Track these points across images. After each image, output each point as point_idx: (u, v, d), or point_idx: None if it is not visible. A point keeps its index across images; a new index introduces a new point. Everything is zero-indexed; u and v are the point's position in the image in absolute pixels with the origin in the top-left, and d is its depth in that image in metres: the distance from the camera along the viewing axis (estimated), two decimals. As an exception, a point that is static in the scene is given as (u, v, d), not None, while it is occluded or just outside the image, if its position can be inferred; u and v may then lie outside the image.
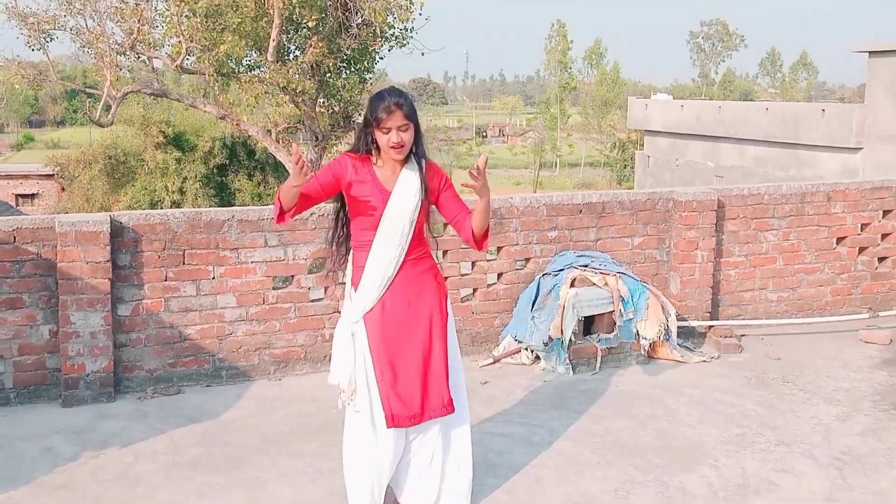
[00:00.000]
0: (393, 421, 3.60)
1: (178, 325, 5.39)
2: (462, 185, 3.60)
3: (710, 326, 6.46)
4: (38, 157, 47.24)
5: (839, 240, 6.98)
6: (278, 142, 19.55)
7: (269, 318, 5.58)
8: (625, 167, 54.61)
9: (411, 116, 3.57)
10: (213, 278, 5.43)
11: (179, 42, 17.09)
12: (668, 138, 26.49)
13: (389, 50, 18.40)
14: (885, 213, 7.07)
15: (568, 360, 5.71)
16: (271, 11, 16.25)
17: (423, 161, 3.70)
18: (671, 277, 6.48)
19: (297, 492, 4.06)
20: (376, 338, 3.63)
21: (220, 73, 17.69)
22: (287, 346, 5.63)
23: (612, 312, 5.80)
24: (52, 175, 36.38)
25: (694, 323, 6.42)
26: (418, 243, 3.74)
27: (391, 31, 17.78)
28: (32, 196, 39.46)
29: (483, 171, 3.51)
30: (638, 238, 6.39)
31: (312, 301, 5.68)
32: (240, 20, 16.35)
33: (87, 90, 20.16)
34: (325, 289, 5.70)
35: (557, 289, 5.78)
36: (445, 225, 5.91)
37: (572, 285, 5.79)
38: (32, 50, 18.16)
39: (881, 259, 7.15)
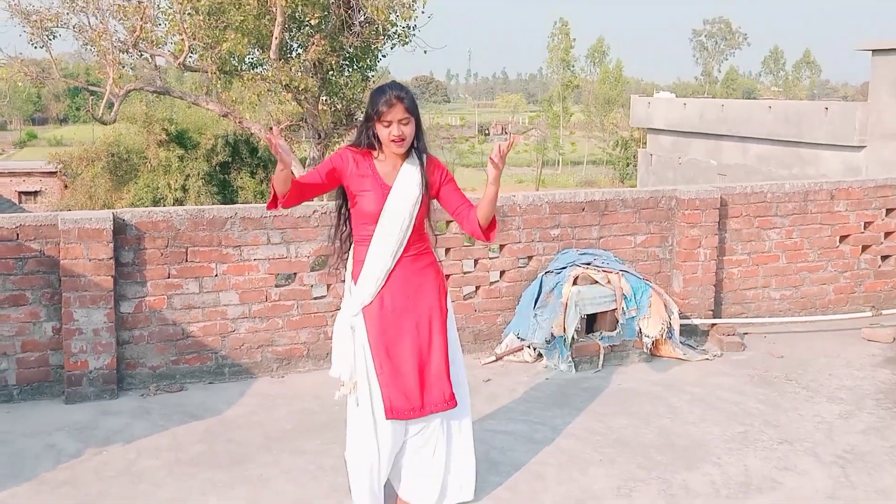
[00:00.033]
0: (392, 413, 3.62)
1: (181, 322, 5.39)
2: (489, 158, 3.57)
3: (713, 324, 6.46)
4: (41, 154, 47.28)
5: (842, 238, 6.97)
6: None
7: (271, 316, 5.58)
8: (627, 165, 54.56)
9: (412, 110, 3.58)
10: (216, 276, 5.43)
11: (182, 40, 17.12)
12: (670, 136, 26.47)
13: (392, 48, 18.42)
14: (889, 211, 7.06)
15: (570, 358, 5.71)
16: (274, 9, 16.26)
17: (424, 156, 3.71)
18: (674, 275, 6.47)
19: (299, 489, 4.07)
20: (375, 331, 3.65)
21: (223, 70, 17.71)
22: (290, 343, 5.63)
23: (614, 310, 5.80)
24: (54, 172, 36.42)
25: (697, 321, 6.41)
26: (419, 238, 3.74)
27: (394, 29, 17.79)
28: (35, 193, 39.50)
29: (504, 157, 3.51)
30: (641, 236, 6.38)
31: (315, 298, 5.68)
32: (242, 18, 16.37)
33: (90, 88, 20.18)
34: (328, 286, 5.70)
35: (560, 287, 5.78)
36: (448, 223, 5.91)
37: (575, 283, 5.79)
38: (35, 47, 18.20)
39: (884, 257, 7.15)
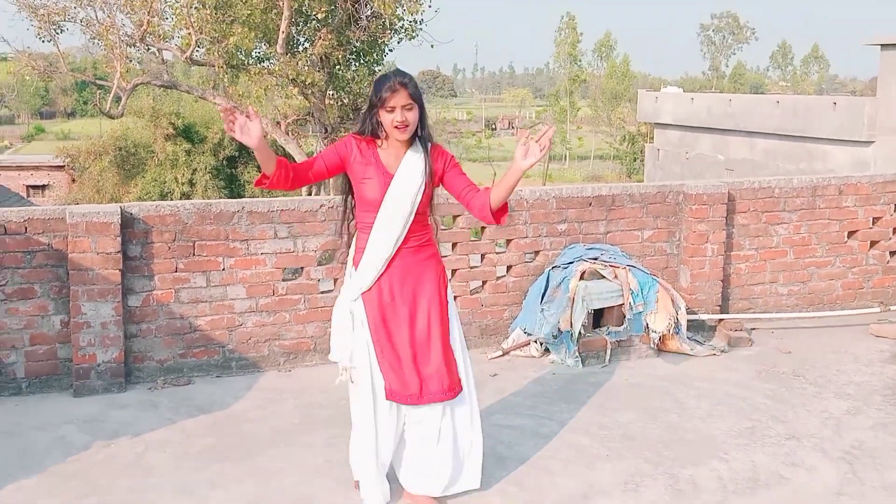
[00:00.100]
0: (391, 395, 3.68)
1: (189, 315, 5.40)
2: (528, 138, 3.52)
3: (720, 320, 6.45)
4: (49, 148, 47.40)
5: (850, 233, 6.95)
6: (288, 134, 19.58)
7: (278, 310, 5.59)
8: (634, 160, 54.41)
9: (416, 96, 3.58)
10: (223, 269, 5.44)
11: (189, 34, 17.14)
12: (678, 131, 26.40)
13: (399, 42, 18.42)
14: (897, 206, 7.03)
15: (577, 353, 5.71)
16: (281, 3, 16.27)
17: (429, 144, 3.72)
18: (681, 270, 6.46)
19: (306, 482, 4.08)
20: (374, 318, 3.69)
21: (230, 64, 17.73)
22: (297, 337, 5.64)
23: (621, 305, 5.79)
24: (62, 166, 36.49)
25: (704, 316, 6.40)
26: (421, 228, 3.76)
27: (400, 23, 17.79)
28: (43, 187, 39.59)
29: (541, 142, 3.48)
30: (648, 231, 6.37)
31: (322, 293, 5.69)
32: (249, 12, 16.38)
33: (98, 82, 20.24)
34: (335, 280, 5.70)
35: (567, 281, 5.78)
36: (455, 217, 5.91)
37: (582, 278, 5.78)
38: (43, 41, 18.24)
39: (892, 253, 7.12)
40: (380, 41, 17.95)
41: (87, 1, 17.78)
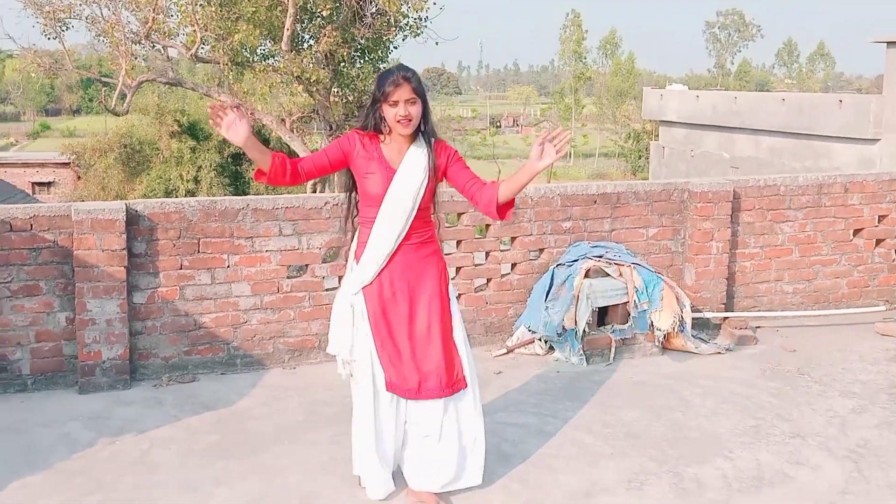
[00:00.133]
0: (390, 387, 3.71)
1: (193, 313, 5.41)
2: (545, 138, 3.52)
3: (725, 318, 6.44)
4: (54, 145, 47.52)
5: (856, 231, 6.93)
6: (293, 131, 19.58)
7: (283, 307, 5.59)
8: (639, 158, 54.33)
9: (419, 91, 3.60)
10: (228, 267, 5.45)
11: (194, 31, 17.15)
12: (683, 129, 26.35)
13: (403, 39, 18.42)
14: (903, 204, 7.02)
15: (582, 351, 5.71)
16: (286, 0, 16.26)
17: (432, 139, 3.72)
18: (686, 268, 6.45)
19: (311, 480, 4.08)
20: (374, 312, 3.72)
21: (235, 62, 17.74)
22: (301, 334, 5.65)
23: (626, 303, 5.79)
24: (67, 163, 36.57)
25: (709, 314, 6.39)
26: (423, 224, 3.77)
27: (405, 21, 17.78)
28: (48, 184, 39.68)
29: (556, 142, 3.49)
30: (653, 229, 6.36)
31: (327, 290, 5.69)
32: (254, 9, 16.39)
33: (103, 79, 20.26)
34: (339, 278, 5.70)
35: (571, 279, 5.77)
36: (460, 215, 5.91)
37: (586, 276, 5.78)
38: (48, 39, 18.27)
39: (898, 251, 7.10)
40: (384, 38, 17.95)
41: (93, -2, 17.81)
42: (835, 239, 6.86)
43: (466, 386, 3.78)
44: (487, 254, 6.04)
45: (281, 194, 6.04)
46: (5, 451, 4.32)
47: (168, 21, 18.09)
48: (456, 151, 3.80)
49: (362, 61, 18.43)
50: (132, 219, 5.20)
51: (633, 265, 5.86)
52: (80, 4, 17.93)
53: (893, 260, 7.08)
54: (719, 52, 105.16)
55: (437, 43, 18.53)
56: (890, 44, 17.31)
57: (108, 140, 29.83)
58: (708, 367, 5.70)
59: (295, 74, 16.82)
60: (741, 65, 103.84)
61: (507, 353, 5.88)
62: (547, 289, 5.89)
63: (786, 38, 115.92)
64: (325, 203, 5.61)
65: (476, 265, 6.01)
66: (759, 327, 6.50)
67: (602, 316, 5.87)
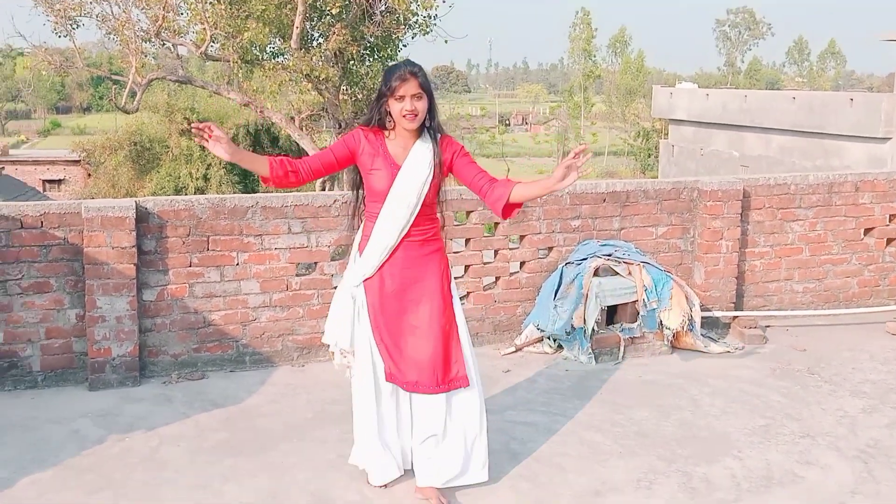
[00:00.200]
0: (390, 377, 3.76)
1: (203, 310, 5.42)
2: (575, 151, 3.53)
3: (735, 317, 6.42)
4: (65, 143, 47.71)
5: (867, 231, 6.90)
6: (302, 129, 19.61)
7: (292, 305, 5.60)
8: (649, 156, 54.24)
9: (425, 86, 3.62)
10: (237, 264, 5.46)
11: (204, 29, 17.17)
12: (692, 127, 26.27)
13: (413, 37, 18.39)
14: (915, 203, 6.98)
15: (590, 350, 5.70)
16: (295, -1, 16.27)
17: (438, 135, 3.73)
18: (695, 267, 6.43)
19: (319, 477, 4.09)
20: (375, 306, 3.77)
21: (244, 60, 17.76)
22: (310, 332, 5.65)
23: (635, 302, 5.78)
24: (78, 161, 36.75)
25: (718, 313, 6.37)
26: (427, 220, 3.79)
27: (414, 19, 17.75)
28: (59, 182, 39.87)
29: (578, 159, 3.51)
30: (662, 227, 6.34)
31: (336, 288, 5.68)
32: (264, 7, 16.40)
33: (113, 77, 20.30)
34: (349, 276, 5.70)
35: (580, 278, 5.76)
36: (469, 213, 5.90)
37: (595, 274, 5.77)
38: (59, 37, 18.32)
39: (909, 250, 7.06)
40: (394, 36, 17.93)
41: (103, -4, 17.85)
42: (845, 238, 6.83)
43: (468, 384, 3.79)
44: (496, 252, 6.03)
45: (290, 192, 6.05)
46: (15, 448, 4.34)
47: (178, 19, 18.11)
48: (462, 147, 3.82)
49: (371, 59, 18.43)
50: (142, 216, 5.22)
51: (642, 264, 5.84)
52: (91, 2, 17.98)
53: (904, 259, 7.04)
54: (729, 50, 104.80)
55: (446, 41, 18.49)
56: (901, 42, 17.22)
57: (118, 138, 29.93)
58: (717, 367, 5.68)
59: (304, 72, 16.83)
60: (751, 63, 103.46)
61: (516, 351, 5.88)
62: (556, 287, 5.88)
63: (796, 36, 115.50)
64: (334, 201, 5.61)
65: (485, 263, 6.01)
66: (768, 326, 6.48)
67: (611, 314, 5.86)
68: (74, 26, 18.16)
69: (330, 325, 3.92)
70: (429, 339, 3.73)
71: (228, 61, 17.96)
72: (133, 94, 18.71)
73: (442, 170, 3.73)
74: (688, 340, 5.90)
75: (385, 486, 3.93)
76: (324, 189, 18.42)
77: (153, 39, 18.15)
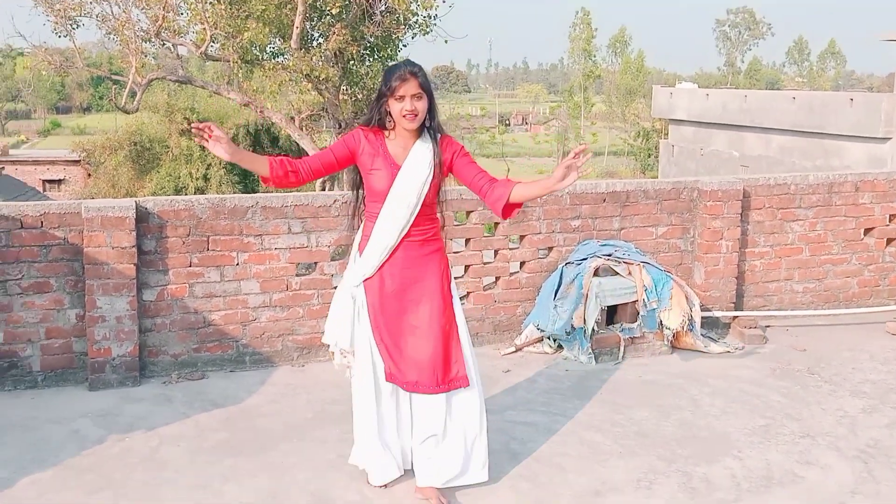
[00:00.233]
0: (390, 377, 3.77)
1: (203, 310, 5.42)
2: (575, 151, 3.54)
3: (735, 317, 6.42)
4: (65, 143, 47.72)
5: (867, 231, 6.90)
6: (302, 129, 19.61)
7: (292, 305, 5.60)
8: (649, 156, 54.25)
9: (425, 86, 3.63)
10: (237, 264, 5.46)
11: (204, 29, 17.17)
12: (692, 127, 26.27)
13: (413, 37, 18.39)
14: (915, 203, 6.97)
15: (590, 350, 5.70)
16: (295, -2, 16.27)
17: (438, 135, 3.74)
18: (695, 267, 6.43)
19: (319, 477, 4.09)
20: (375, 306, 3.77)
21: (244, 60, 17.76)
22: (310, 332, 5.65)
23: (635, 302, 5.78)
24: (78, 161, 36.74)
25: (718, 313, 6.37)
26: (427, 221, 3.79)
27: (414, 19, 17.75)
28: (59, 182, 39.87)
29: (578, 160, 3.51)
30: (662, 227, 6.34)
31: (336, 288, 5.68)
32: (264, 7, 16.40)
33: (113, 77, 20.30)
34: (349, 276, 5.70)
35: (580, 278, 5.76)
36: (469, 213, 5.90)
37: (595, 274, 5.77)
38: (59, 37, 18.32)
39: (909, 250, 7.06)
40: (394, 36, 17.93)
41: (103, -4, 17.85)
42: (845, 238, 6.83)
43: (468, 384, 3.79)
44: (496, 252, 6.03)
45: (290, 192, 6.05)
46: (15, 448, 4.34)
47: (178, 19, 18.11)
48: (462, 146, 3.83)
49: (371, 59, 18.42)
50: (142, 216, 5.22)
51: (642, 264, 5.84)
52: (91, 2, 17.98)
53: (904, 259, 7.04)
54: (729, 50, 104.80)
55: (446, 41, 18.49)
56: (901, 42, 17.22)
57: (118, 138, 29.94)
58: (717, 367, 5.68)
59: (304, 72, 16.83)
60: (751, 63, 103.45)
61: (516, 351, 5.88)
62: (556, 287, 5.88)
63: (796, 36, 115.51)
64: (334, 201, 5.61)
65: (485, 263, 6.01)
66: (768, 326, 6.48)
67: (611, 315, 5.86)
68: (74, 26, 18.16)
69: (330, 325, 3.93)
70: (429, 339, 3.74)
71: (228, 61, 17.96)
72: (133, 94, 18.71)
73: (442, 170, 3.74)
74: (688, 340, 5.90)
75: (385, 485, 3.93)
76: (324, 189, 18.42)
77: (153, 39, 18.15)
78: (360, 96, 18.59)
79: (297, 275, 5.61)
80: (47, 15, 17.82)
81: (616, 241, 6.17)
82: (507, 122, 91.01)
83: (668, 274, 5.92)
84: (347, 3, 16.70)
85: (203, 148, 27.96)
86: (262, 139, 29.04)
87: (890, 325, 6.46)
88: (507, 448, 4.37)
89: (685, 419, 4.82)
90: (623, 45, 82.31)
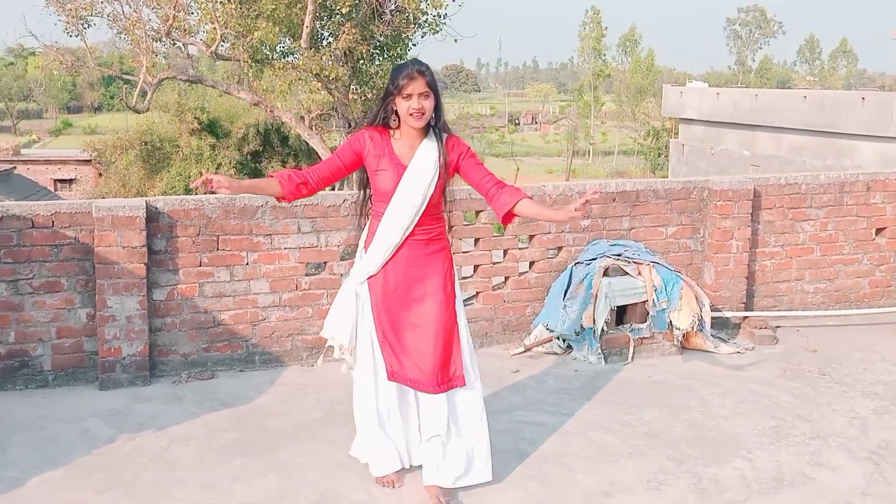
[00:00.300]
0: (392, 376, 3.79)
1: (212, 310, 5.44)
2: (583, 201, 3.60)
3: (745, 317, 6.39)
4: (76, 142, 47.90)
5: (878, 231, 6.86)
6: (311, 128, 19.64)
7: (301, 305, 5.61)
8: (659, 155, 54.11)
9: (432, 85, 3.65)
10: (247, 264, 5.47)
11: (214, 28, 17.22)
12: (703, 126, 26.18)
13: (422, 36, 18.40)
14: (927, 203, 6.93)
15: (600, 350, 5.69)
16: (305, -2, 16.29)
17: (444, 135, 3.75)
18: (705, 267, 6.41)
19: (328, 477, 4.09)
20: (378, 304, 3.80)
21: (255, 59, 17.80)
22: (320, 332, 5.64)
23: (644, 302, 5.76)
24: (89, 160, 36.89)
25: (728, 314, 6.35)
26: (432, 220, 3.81)
27: (424, 18, 17.76)
28: (70, 181, 40.04)
29: (586, 204, 3.60)
30: (672, 227, 6.33)
31: (345, 287, 5.69)
32: (274, 6, 16.43)
33: (124, 76, 20.38)
34: (358, 275, 5.71)
35: (590, 278, 5.75)
36: (478, 213, 5.90)
37: (605, 274, 5.76)
38: (70, 36, 18.40)
39: (921, 250, 7.02)
40: (403, 35, 17.94)
41: (114, -4, 17.92)
42: (856, 238, 6.80)
43: (464, 384, 3.81)
44: (505, 252, 6.03)
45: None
46: (26, 447, 4.36)
47: (188, 18, 18.18)
48: (469, 147, 3.83)
49: (381, 58, 18.44)
50: (152, 216, 5.24)
51: (651, 264, 5.83)
52: (102, 2, 18.05)
53: (916, 259, 7.00)
54: (740, 48, 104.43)
55: (455, 40, 18.48)
56: (914, 40, 17.12)
57: (128, 137, 30.03)
58: (727, 367, 5.66)
59: (314, 72, 16.86)
60: (762, 62, 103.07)
61: (525, 351, 5.87)
62: (565, 287, 5.87)
63: (808, 35, 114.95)
64: (344, 201, 5.62)
65: (494, 263, 6.00)
66: (779, 327, 6.45)
67: (620, 315, 5.84)
68: (86, 26, 18.24)
69: (329, 320, 3.96)
70: (430, 338, 3.75)
71: (238, 61, 18.01)
72: (144, 94, 18.78)
73: (448, 170, 3.75)
74: (697, 341, 5.88)
75: (385, 476, 3.94)
76: (333, 188, 18.44)
77: (164, 39, 18.21)
78: (369, 95, 18.60)
79: (306, 274, 5.61)
80: (59, 14, 17.90)
81: (626, 240, 6.15)
82: (517, 121, 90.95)
83: (678, 274, 5.90)
84: (357, 2, 16.71)
85: (213, 147, 28.15)
86: (272, 139, 29.08)
87: (901, 325, 6.42)
88: (516, 448, 4.36)
89: (695, 420, 4.81)
90: (633, 43, 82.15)
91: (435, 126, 3.73)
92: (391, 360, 3.79)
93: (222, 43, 17.65)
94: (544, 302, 6.06)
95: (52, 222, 5.09)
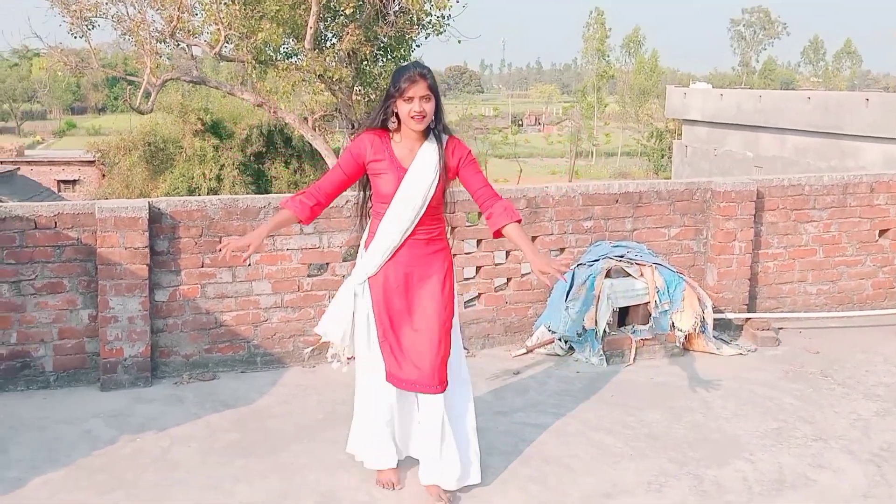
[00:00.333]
0: (390, 377, 3.81)
1: (214, 311, 5.44)
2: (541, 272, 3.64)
3: (747, 319, 6.38)
4: (80, 143, 48.03)
5: (882, 232, 6.85)
6: (315, 130, 19.65)
7: (303, 306, 5.61)
8: (662, 157, 54.06)
9: (433, 88, 3.67)
10: (249, 265, 5.47)
11: (218, 30, 17.24)
12: (706, 127, 26.16)
13: (426, 37, 18.41)
14: (930, 205, 6.92)
15: (602, 352, 5.68)
16: (309, -1, 16.31)
17: (444, 137, 3.75)
18: (708, 269, 6.40)
19: (330, 478, 4.09)
20: (378, 303, 3.81)
21: (258, 60, 17.82)
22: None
23: (647, 304, 5.75)
24: (93, 161, 36.95)
25: (730, 315, 6.34)
26: (432, 221, 3.83)
27: (428, 19, 17.77)
28: (74, 182, 40.09)
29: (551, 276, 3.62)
30: (675, 228, 6.32)
31: (347, 289, 5.69)
32: (278, 8, 16.45)
33: (128, 77, 20.42)
34: (360, 277, 5.71)
35: (592, 279, 5.74)
36: (480, 214, 5.89)
37: (607, 276, 5.75)
38: (75, 37, 18.43)
39: (925, 252, 7.00)
40: (407, 37, 17.95)
41: (118, -3, 17.95)
42: (860, 239, 6.78)
43: (455, 383, 3.84)
44: (508, 253, 6.03)
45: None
46: (27, 448, 4.36)
47: (192, 20, 18.20)
48: (469, 152, 3.85)
49: (385, 60, 18.45)
50: (155, 217, 5.24)
51: (654, 265, 5.82)
52: (107, 3, 18.07)
53: (920, 261, 6.98)
54: (744, 50, 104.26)
55: (459, 41, 18.49)
56: (918, 42, 17.11)
57: (132, 138, 30.08)
58: (729, 369, 5.65)
59: (318, 73, 16.88)
60: (766, 63, 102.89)
61: (527, 352, 5.87)
62: (567, 289, 5.87)
63: (812, 36, 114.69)
64: (346, 202, 5.62)
65: (496, 264, 6.00)
66: (781, 329, 6.44)
67: (623, 316, 5.84)
68: (90, 27, 18.27)
69: (325, 317, 3.99)
70: (429, 339, 3.77)
71: (242, 62, 18.04)
72: (147, 95, 18.80)
73: (448, 173, 3.76)
74: (700, 342, 5.87)
75: (385, 478, 3.95)
76: (337, 189, 18.39)
77: (168, 40, 18.24)
78: (373, 97, 18.61)
79: (308, 275, 5.62)
80: (63, 16, 17.93)
81: (628, 242, 6.14)
82: (520, 122, 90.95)
83: (681, 275, 5.90)
84: (361, 3, 16.73)
85: (216, 149, 28.17)
86: (276, 140, 29.11)
87: (905, 327, 6.41)
88: (517, 449, 4.36)
89: (697, 421, 4.80)
90: (637, 45, 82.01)
91: (435, 129, 3.74)
92: (390, 361, 3.79)
93: (226, 44, 17.67)
94: (546, 303, 6.06)
95: (55, 223, 5.09)
